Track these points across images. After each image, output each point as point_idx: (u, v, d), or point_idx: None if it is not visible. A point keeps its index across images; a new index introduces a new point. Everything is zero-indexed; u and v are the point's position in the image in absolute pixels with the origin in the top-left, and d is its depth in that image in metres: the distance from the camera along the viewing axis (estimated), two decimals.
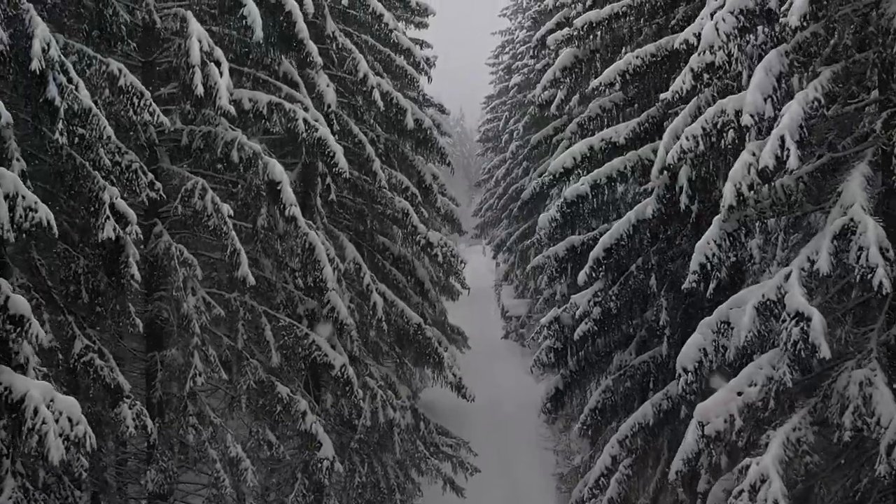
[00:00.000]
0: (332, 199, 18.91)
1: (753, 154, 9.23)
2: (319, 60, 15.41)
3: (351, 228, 20.59)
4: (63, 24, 12.45)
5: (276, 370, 15.13)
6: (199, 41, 12.52)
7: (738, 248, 10.39)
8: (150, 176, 12.47)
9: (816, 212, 9.90)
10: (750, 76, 10.42)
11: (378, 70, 20.44)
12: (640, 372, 15.35)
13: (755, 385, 9.40)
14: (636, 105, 16.41)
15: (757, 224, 10.25)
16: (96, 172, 11.39)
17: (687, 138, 10.79)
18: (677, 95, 11.43)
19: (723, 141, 10.60)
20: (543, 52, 21.91)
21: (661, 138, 13.59)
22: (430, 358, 19.57)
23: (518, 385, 31.59)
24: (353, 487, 17.57)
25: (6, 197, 8.76)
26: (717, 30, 9.77)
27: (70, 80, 10.55)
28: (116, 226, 11.19)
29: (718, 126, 10.46)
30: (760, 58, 10.24)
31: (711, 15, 10.74)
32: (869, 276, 8.31)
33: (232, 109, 12.78)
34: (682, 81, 11.13)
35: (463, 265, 22.04)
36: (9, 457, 9.13)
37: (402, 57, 20.97)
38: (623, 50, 16.15)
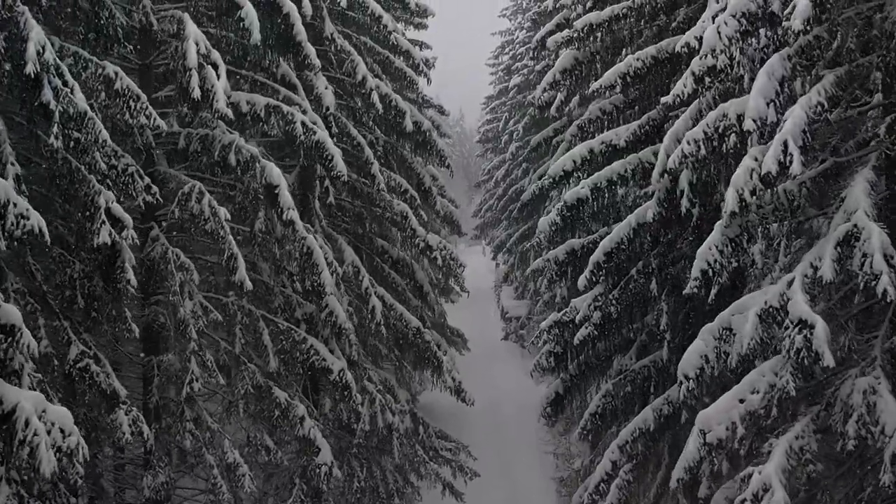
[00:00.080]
0: (330, 201, 18.82)
1: (756, 159, 9.13)
2: (318, 63, 15.30)
3: (350, 231, 20.48)
4: (59, 27, 12.34)
5: (274, 375, 15.02)
6: (196, 44, 12.41)
7: (740, 254, 10.29)
8: (147, 179, 12.37)
9: (819, 217, 9.80)
10: (752, 79, 10.32)
11: (377, 72, 20.34)
12: (641, 376, 15.25)
13: (757, 392, 9.30)
14: (636, 107, 16.31)
15: (759, 229, 10.14)
16: (92, 176, 11.28)
17: (688, 142, 10.69)
18: (678, 99, 11.33)
19: (724, 145, 10.51)
20: (543, 53, 21.78)
21: (661, 141, 13.49)
22: (429, 362, 19.46)
23: (518, 387, 31.48)
24: (352, 492, 17.47)
25: None
26: (719, 33, 9.65)
27: (65, 84, 10.44)
28: (112, 230, 11.08)
29: (720, 130, 10.36)
30: (762, 61, 10.14)
31: (713, 18, 10.68)
32: (873, 283, 8.22)
33: (229, 112, 12.67)
34: (683, 85, 11.04)
35: (462, 268, 21.93)
36: (3, 464, 9.04)
37: (402, 58, 20.88)
38: (623, 52, 16.06)
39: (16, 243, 9.00)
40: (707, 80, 11.01)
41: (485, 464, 22.29)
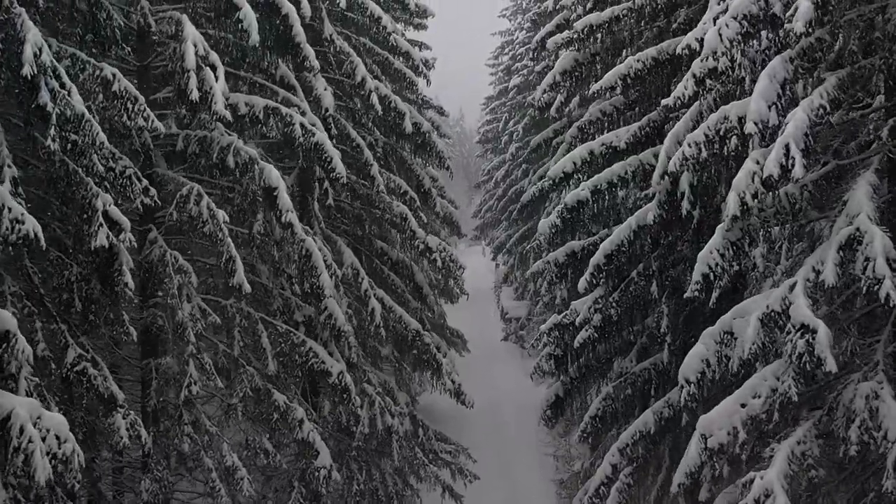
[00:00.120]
0: (329, 203, 18.77)
1: (757, 162, 9.07)
2: (316, 64, 15.24)
3: (349, 233, 20.43)
4: (56, 28, 12.27)
5: (272, 377, 14.96)
6: (195, 45, 12.33)
7: (742, 258, 10.23)
8: (145, 182, 12.29)
9: (821, 220, 9.73)
10: (753, 81, 10.26)
11: (376, 73, 20.29)
12: (641, 379, 15.20)
13: (759, 397, 9.25)
14: (637, 109, 16.26)
15: (761, 233, 10.08)
16: (89, 179, 11.21)
17: (689, 145, 10.63)
18: (679, 101, 11.27)
19: (725, 148, 10.45)
20: (543, 54, 21.75)
21: (662, 143, 13.44)
22: (428, 364, 19.40)
23: (518, 387, 31.41)
24: (352, 495, 17.41)
25: None
26: (720, 35, 9.60)
27: (63, 86, 10.37)
28: (110, 233, 11.01)
29: (721, 133, 10.30)
30: (764, 63, 10.09)
31: (714, 19, 10.61)
32: (876, 287, 8.16)
33: (228, 114, 12.60)
34: (684, 87, 10.97)
35: (461, 270, 21.86)
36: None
37: (401, 59, 20.84)
38: (623, 53, 16.01)
39: (10, 248, 8.93)
40: (708, 82, 10.95)
41: (484, 465, 22.23)
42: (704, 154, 10.55)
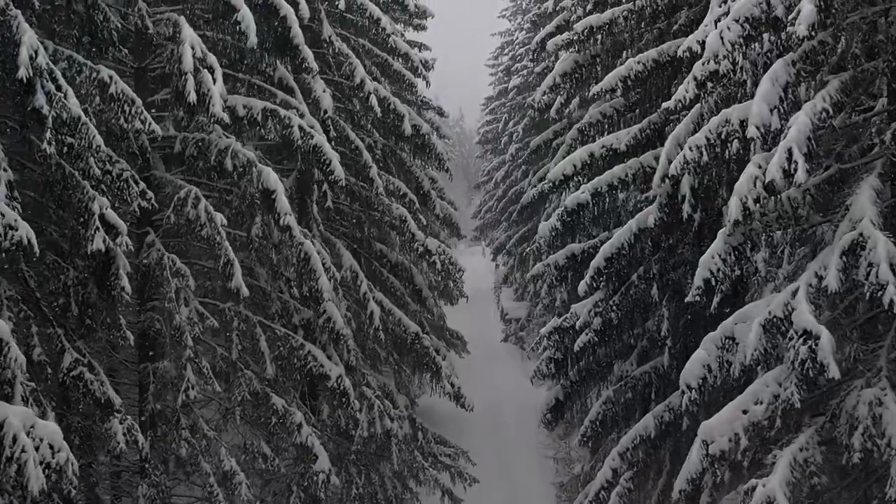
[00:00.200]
0: (328, 205, 18.68)
1: (759, 167, 8.99)
2: (315, 66, 15.16)
3: (348, 235, 20.34)
4: (53, 30, 12.20)
5: (271, 381, 14.86)
6: (192, 47, 12.24)
7: (744, 262, 10.15)
8: (142, 185, 12.20)
9: (824, 224, 9.65)
10: (755, 84, 10.19)
11: (375, 74, 20.20)
12: (642, 383, 15.12)
13: (761, 403, 9.17)
14: (637, 111, 16.19)
15: (762, 237, 10.00)
16: (86, 182, 11.12)
17: (690, 148, 10.55)
18: (680, 104, 11.19)
19: (727, 151, 10.37)
20: (543, 55, 21.67)
21: (662, 145, 13.37)
22: (427, 367, 19.32)
23: (517, 389, 31.33)
24: (350, 499, 17.31)
25: None
26: (721, 38, 9.51)
27: (59, 88, 10.28)
28: (106, 237, 10.92)
29: (723, 136, 10.22)
30: (766, 66, 10.01)
31: (715, 22, 10.53)
32: (879, 293, 8.08)
33: (226, 117, 12.52)
34: (685, 90, 10.89)
35: (461, 273, 21.77)
36: None
37: (400, 61, 20.75)
38: (624, 54, 15.93)
39: (3, 254, 8.84)
40: (709, 85, 10.86)
41: (484, 467, 22.16)
42: (706, 157, 10.47)
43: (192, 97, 12.02)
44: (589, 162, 15.08)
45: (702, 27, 11.16)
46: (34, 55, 9.69)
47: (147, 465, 13.22)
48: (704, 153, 10.41)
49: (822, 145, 9.48)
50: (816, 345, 8.19)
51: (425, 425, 20.61)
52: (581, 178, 15.43)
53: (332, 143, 16.07)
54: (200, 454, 13.53)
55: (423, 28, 24.01)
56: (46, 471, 7.51)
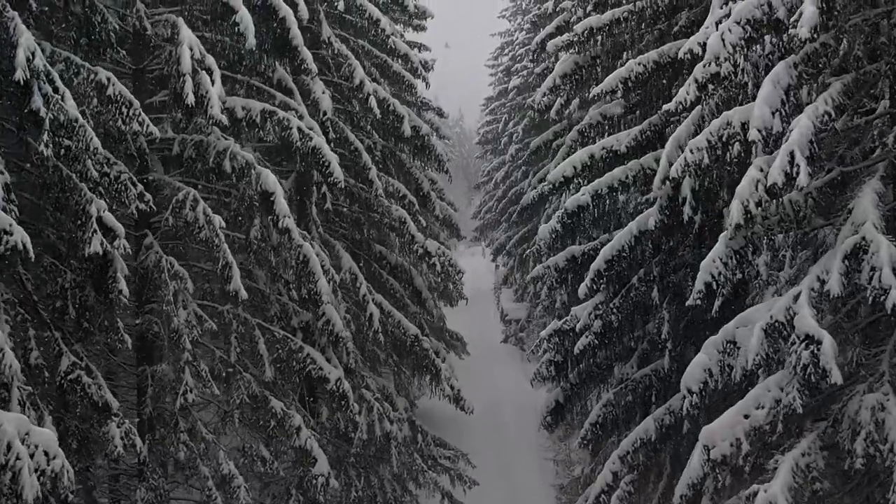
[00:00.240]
0: (327, 207, 18.63)
1: (761, 170, 8.92)
2: (314, 67, 15.10)
3: (347, 237, 20.28)
4: (50, 32, 12.12)
5: (270, 384, 14.81)
6: (191, 49, 12.19)
7: (745, 266, 10.08)
8: (140, 187, 12.12)
9: (825, 227, 9.59)
10: (756, 86, 10.13)
11: (375, 75, 20.15)
12: (642, 385, 15.05)
13: (763, 408, 9.11)
14: (638, 112, 16.12)
15: (764, 241, 9.94)
16: (83, 185, 11.06)
17: (691, 151, 10.49)
18: (681, 106, 11.13)
19: (728, 154, 10.31)
20: (543, 56, 21.61)
21: (663, 147, 13.31)
22: (427, 369, 19.27)
23: (517, 389, 31.25)
24: (350, 502, 17.24)
25: None
26: (723, 40, 9.45)
27: (56, 90, 10.23)
28: (104, 240, 10.86)
29: (724, 139, 10.16)
30: (767, 68, 9.95)
31: (717, 24, 10.46)
32: (882, 297, 8.03)
33: (224, 118, 12.46)
34: (686, 92, 10.82)
35: (461, 274, 21.71)
36: None
37: (400, 62, 20.70)
38: (624, 55, 15.86)
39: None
40: (710, 87, 10.80)
41: (484, 469, 22.09)
42: (707, 160, 10.42)
43: (191, 99, 11.98)
44: (589, 163, 15.02)
45: (703, 29, 11.11)
46: (31, 57, 9.65)
47: (145, 469, 13.17)
48: (705, 155, 10.35)
49: (823, 148, 9.41)
50: (818, 349, 8.12)
51: (425, 427, 20.53)
52: (581, 180, 15.38)
53: (332, 144, 16.03)
54: (199, 457, 13.47)
55: (423, 29, 23.99)
56: (41, 478, 7.44)
